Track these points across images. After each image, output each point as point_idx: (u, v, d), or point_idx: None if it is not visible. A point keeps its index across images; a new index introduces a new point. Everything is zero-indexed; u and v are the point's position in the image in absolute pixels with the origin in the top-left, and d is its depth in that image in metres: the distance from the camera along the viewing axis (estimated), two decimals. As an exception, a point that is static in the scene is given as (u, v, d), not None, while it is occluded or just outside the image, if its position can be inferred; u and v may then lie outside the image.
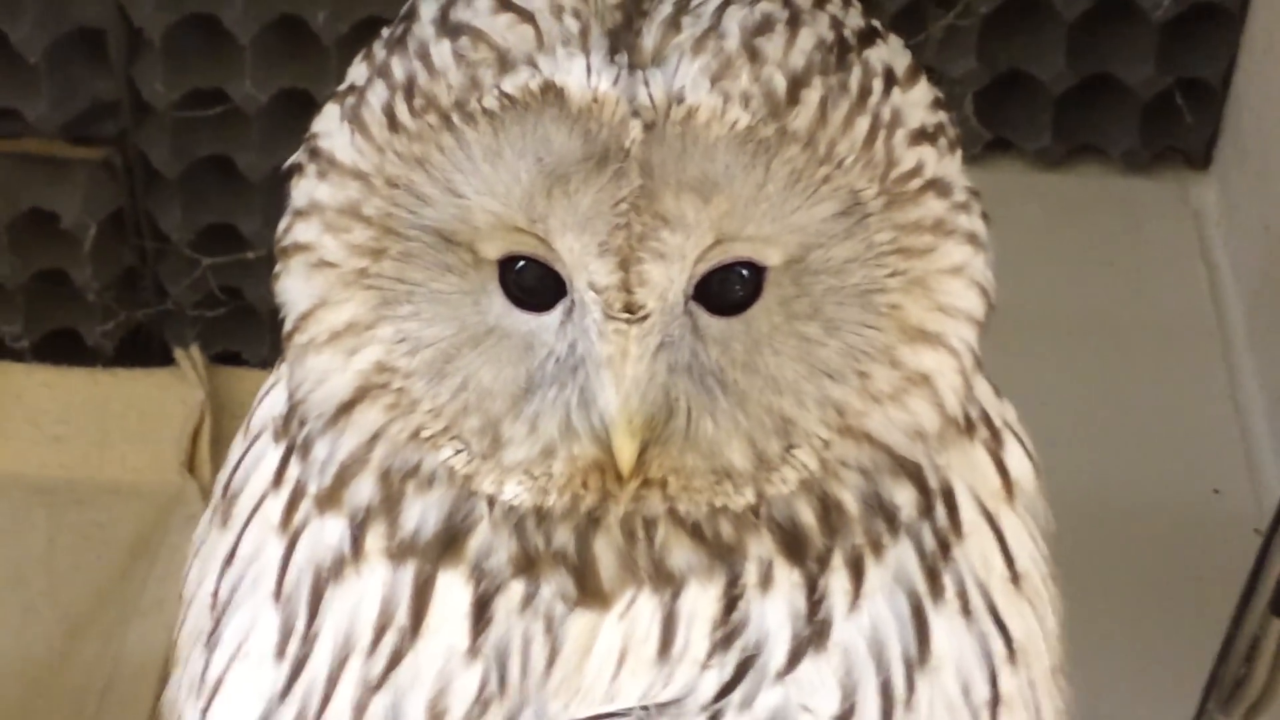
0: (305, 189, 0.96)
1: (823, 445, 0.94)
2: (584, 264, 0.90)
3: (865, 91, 0.91)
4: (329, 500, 0.98)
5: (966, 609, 0.98)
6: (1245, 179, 2.27)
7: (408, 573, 0.96)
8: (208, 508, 1.06)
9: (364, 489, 0.96)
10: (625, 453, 0.91)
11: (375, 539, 0.96)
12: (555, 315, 0.92)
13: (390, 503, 0.96)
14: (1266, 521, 2.08)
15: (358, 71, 0.96)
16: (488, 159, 0.90)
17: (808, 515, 0.95)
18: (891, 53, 0.94)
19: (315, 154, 0.96)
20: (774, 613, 0.95)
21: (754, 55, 0.89)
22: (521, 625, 0.95)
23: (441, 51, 0.91)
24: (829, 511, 0.95)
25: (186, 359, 2.49)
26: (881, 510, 0.96)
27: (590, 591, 0.95)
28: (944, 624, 0.97)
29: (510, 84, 0.89)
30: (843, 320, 0.94)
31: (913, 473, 0.96)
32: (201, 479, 2.38)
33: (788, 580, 0.95)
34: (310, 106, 2.27)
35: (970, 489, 0.99)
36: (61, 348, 2.51)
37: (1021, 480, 1.02)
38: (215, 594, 1.02)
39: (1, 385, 2.48)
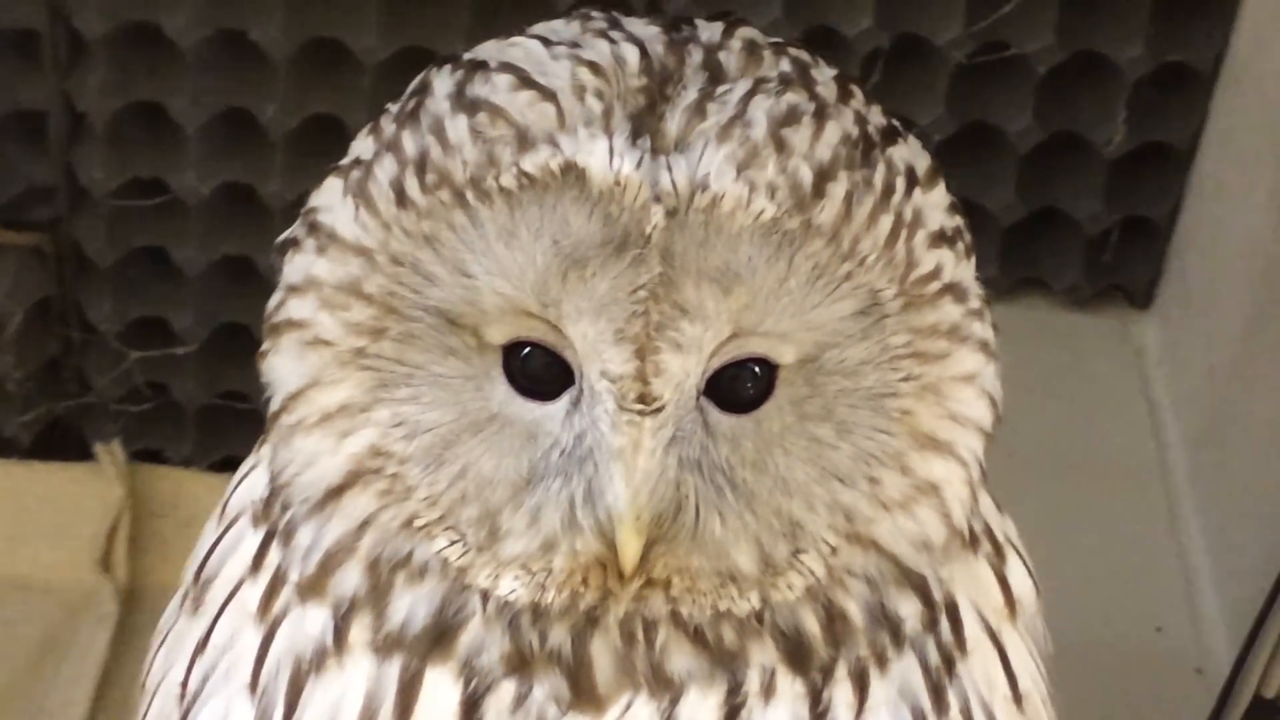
0: (301, 264, 0.93)
1: (830, 551, 0.92)
2: (598, 351, 0.87)
3: (889, 189, 0.89)
4: (312, 589, 0.94)
5: (971, 728, 0.95)
6: (1189, 319, 2.27)
7: (394, 667, 0.92)
8: (176, 594, 1.02)
9: (350, 578, 0.93)
10: (630, 549, 0.88)
11: (360, 631, 0.93)
12: (561, 405, 0.89)
13: (378, 593, 0.92)
14: (1208, 660, 2.08)
15: (363, 145, 0.93)
16: (501, 239, 0.87)
17: (812, 624, 0.92)
18: (912, 152, 0.93)
19: (314, 228, 0.93)
20: None
21: (781, 146, 0.87)
22: None
23: (457, 127, 0.88)
24: (833, 621, 0.92)
25: (107, 454, 2.43)
26: (886, 622, 0.93)
27: (584, 695, 0.91)
28: (949, 742, 0.94)
29: (530, 163, 0.86)
30: (855, 423, 0.91)
31: (918, 585, 0.94)
32: (117, 579, 2.31)
33: (791, 690, 0.92)
34: (252, 202, 2.28)
35: (974, 604, 0.97)
36: (-24, 438, 2.45)
37: (1023, 598, 1.00)
38: (185, 683, 0.97)
39: (-89, 474, 2.42)
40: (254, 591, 0.96)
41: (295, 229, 0.95)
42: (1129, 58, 2.24)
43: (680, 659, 0.91)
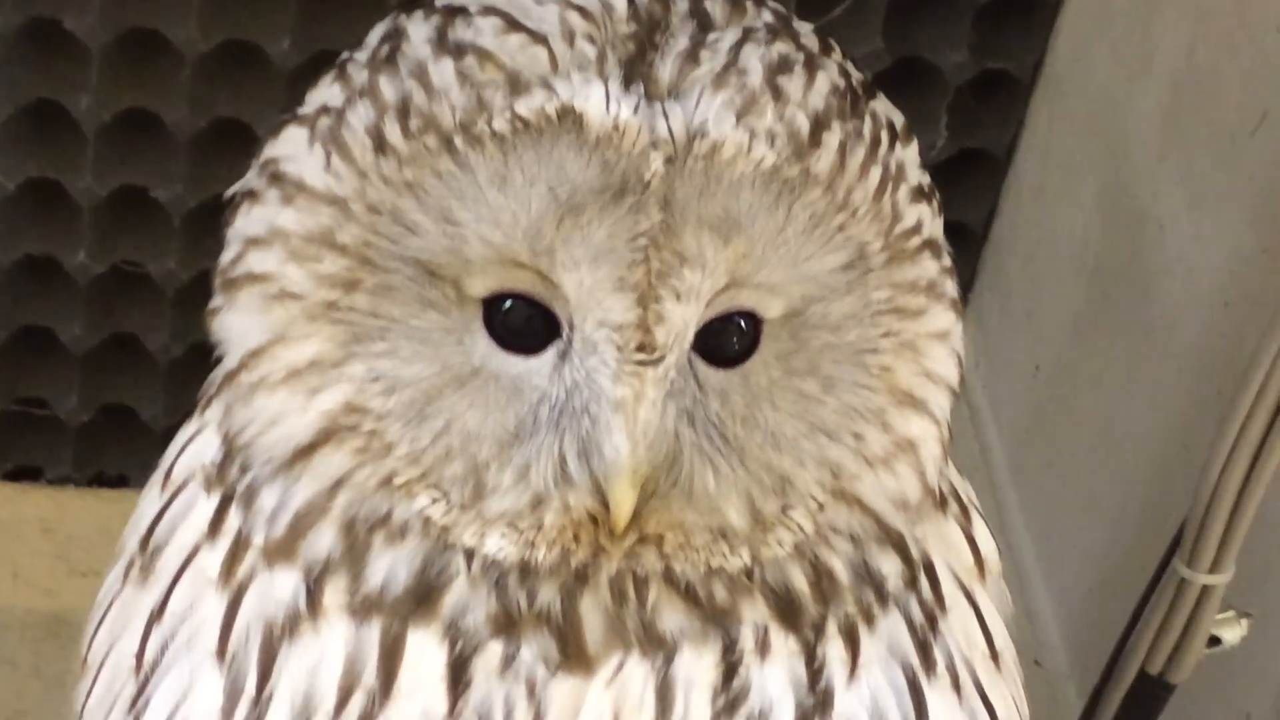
0: (263, 216, 0.89)
1: (817, 508, 0.91)
2: (596, 300, 0.84)
3: (876, 141, 0.89)
4: (280, 552, 0.90)
5: (956, 685, 0.95)
6: (1009, 321, 2.31)
7: (373, 630, 0.88)
8: (114, 566, 0.97)
9: (323, 540, 0.89)
10: (626, 503, 0.86)
11: (334, 594, 0.89)
12: (547, 358, 0.87)
13: (354, 555, 0.89)
14: (1044, 652, 2.11)
15: (329, 93, 0.89)
16: (494, 184, 0.84)
17: (801, 581, 0.91)
18: (888, 107, 0.92)
19: (277, 178, 0.89)
20: (775, 681, 0.90)
21: (778, 94, 0.86)
22: (503, 689, 0.88)
23: (442, 71, 0.85)
24: (820, 578, 0.91)
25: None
26: (870, 579, 0.92)
27: (574, 655, 0.89)
28: (939, 699, 0.93)
29: (524, 106, 0.84)
30: (839, 378, 0.90)
31: (897, 543, 0.93)
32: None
33: (785, 647, 0.90)
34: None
35: (947, 563, 0.97)
36: None
37: (990, 558, 1.00)
38: (139, 655, 0.92)
39: None
40: (213, 557, 0.91)
41: (250, 180, 0.91)
42: (953, 63, 2.27)
43: (672, 617, 0.89)
